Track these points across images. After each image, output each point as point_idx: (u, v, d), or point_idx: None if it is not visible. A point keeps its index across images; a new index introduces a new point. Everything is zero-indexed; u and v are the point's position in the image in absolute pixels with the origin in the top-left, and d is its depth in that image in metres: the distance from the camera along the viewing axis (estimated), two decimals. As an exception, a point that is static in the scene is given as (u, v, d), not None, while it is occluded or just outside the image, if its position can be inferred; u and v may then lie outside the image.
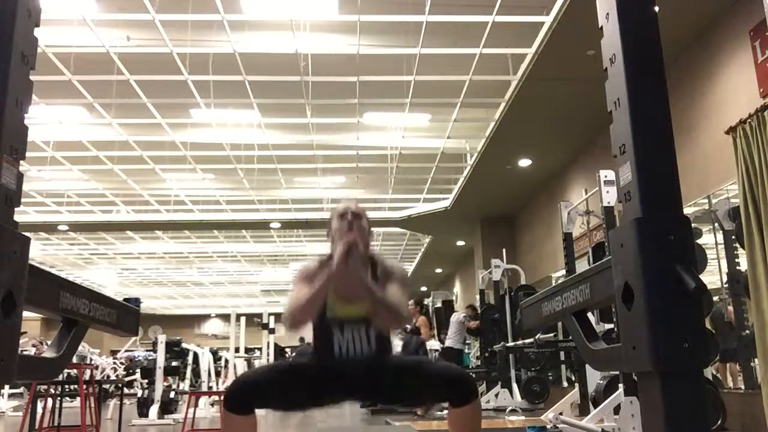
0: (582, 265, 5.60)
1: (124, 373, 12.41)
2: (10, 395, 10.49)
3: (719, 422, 4.46)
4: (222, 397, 2.03)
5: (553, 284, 2.28)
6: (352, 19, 6.27)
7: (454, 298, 16.56)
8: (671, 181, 1.30)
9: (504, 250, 9.33)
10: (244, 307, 22.44)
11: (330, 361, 2.15)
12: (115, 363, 12.49)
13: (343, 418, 8.15)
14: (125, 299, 1.81)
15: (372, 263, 2.21)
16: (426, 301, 12.38)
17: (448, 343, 9.39)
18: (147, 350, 17.24)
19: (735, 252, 5.28)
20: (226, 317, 21.82)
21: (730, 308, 5.49)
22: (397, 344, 5.41)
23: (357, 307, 2.12)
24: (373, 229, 2.34)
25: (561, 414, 5.02)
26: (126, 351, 16.09)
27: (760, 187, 4.28)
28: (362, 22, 6.30)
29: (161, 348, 7.83)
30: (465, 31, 6.58)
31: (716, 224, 5.46)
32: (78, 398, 6.70)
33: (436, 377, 2.12)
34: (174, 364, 8.46)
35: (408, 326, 7.45)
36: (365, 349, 2.15)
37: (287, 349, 16.27)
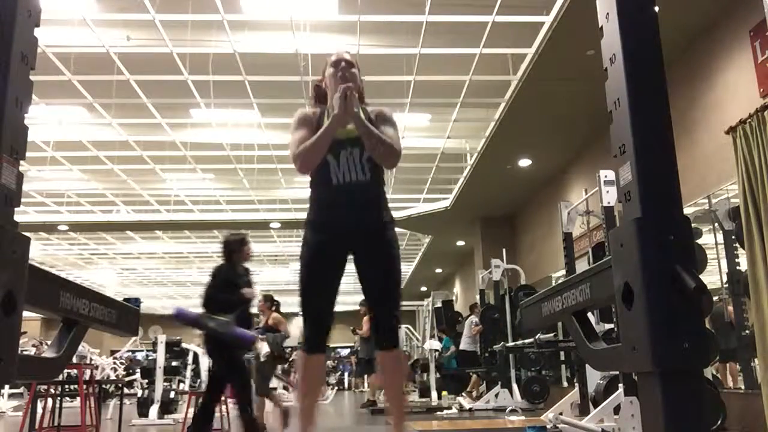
0: (582, 265, 5.60)
1: (124, 373, 12.42)
2: (10, 395, 10.50)
3: (719, 422, 4.47)
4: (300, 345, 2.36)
5: (553, 284, 2.28)
6: (352, 19, 6.28)
7: (454, 298, 16.56)
8: (671, 181, 1.30)
9: (504, 250, 9.33)
10: (244, 307, 22.36)
11: (327, 190, 2.31)
12: (115, 363, 12.49)
13: (343, 418, 8.16)
14: (125, 299, 1.81)
15: (364, 109, 2.39)
16: (426, 302, 12.34)
17: (462, 345, 9.50)
18: (147, 350, 17.23)
19: (735, 252, 5.28)
20: (226, 317, 21.79)
21: (730, 308, 5.50)
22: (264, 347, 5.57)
23: (351, 130, 2.26)
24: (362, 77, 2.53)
25: (561, 414, 5.03)
26: (126, 351, 16.08)
27: (760, 187, 4.28)
28: (362, 22, 6.30)
29: (161, 348, 7.83)
30: (465, 31, 6.58)
31: (716, 224, 5.46)
32: (78, 398, 6.70)
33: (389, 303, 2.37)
34: (174, 364, 8.46)
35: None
36: (360, 177, 2.29)
37: (287, 349, 16.26)
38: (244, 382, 4.34)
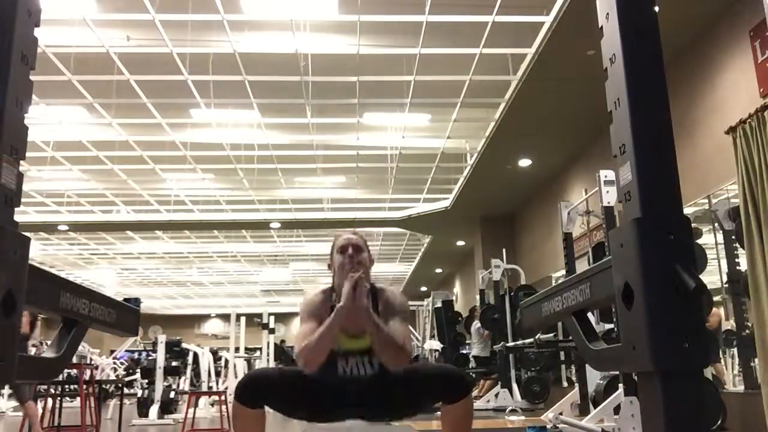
0: (582, 265, 5.60)
1: (124, 372, 12.41)
2: (10, 395, 10.49)
3: (719, 422, 4.47)
4: (234, 390, 2.11)
5: (553, 284, 2.28)
6: (352, 19, 6.27)
7: (454, 298, 16.55)
8: (671, 181, 1.30)
9: (504, 250, 9.33)
10: (244, 307, 22.41)
11: (334, 380, 2.19)
12: (114, 363, 12.49)
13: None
14: (125, 299, 1.80)
15: (372, 292, 2.23)
16: (426, 302, 12.37)
17: (474, 352, 9.51)
18: (147, 350, 17.23)
19: (735, 252, 5.28)
20: (226, 317, 21.82)
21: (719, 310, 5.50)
22: None
23: (362, 340, 2.16)
24: (373, 258, 2.35)
25: (561, 414, 5.02)
26: (127, 351, 16.08)
27: (759, 187, 4.28)
28: (362, 22, 6.30)
29: (161, 348, 7.83)
30: (465, 31, 6.58)
31: (716, 224, 5.46)
32: (78, 398, 6.70)
33: (432, 377, 2.17)
34: (174, 364, 8.45)
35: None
36: (368, 371, 2.20)
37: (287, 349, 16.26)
38: None
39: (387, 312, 2.20)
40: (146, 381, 9.07)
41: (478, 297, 10.12)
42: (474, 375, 9.60)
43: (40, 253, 16.38)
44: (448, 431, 2.14)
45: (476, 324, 9.47)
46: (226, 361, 10.63)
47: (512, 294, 8.54)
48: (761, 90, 4.92)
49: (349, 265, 2.18)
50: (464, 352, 10.76)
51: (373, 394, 2.19)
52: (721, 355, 6.03)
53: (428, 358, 9.93)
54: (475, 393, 9.31)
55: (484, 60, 6.93)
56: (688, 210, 5.64)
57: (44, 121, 8.41)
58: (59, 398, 5.72)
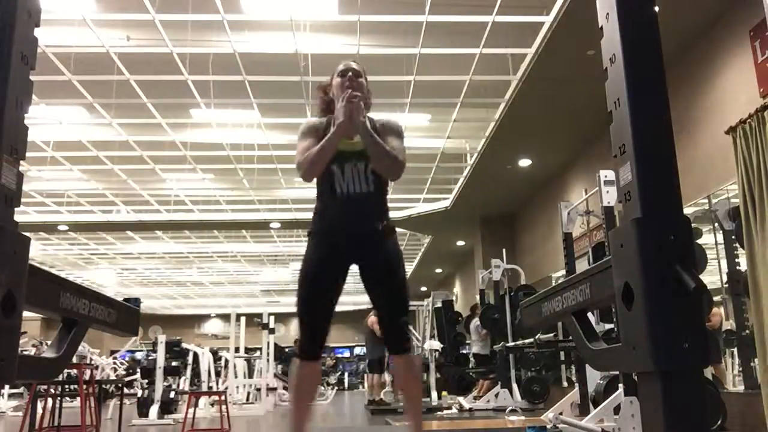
0: (582, 265, 5.60)
1: (124, 372, 12.40)
2: (10, 395, 10.49)
3: (719, 422, 4.46)
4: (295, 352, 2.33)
5: (553, 284, 2.28)
6: (352, 19, 6.28)
7: (454, 298, 16.55)
8: (671, 181, 1.30)
9: (504, 250, 9.32)
10: (244, 307, 22.41)
11: (331, 201, 2.32)
12: (114, 363, 12.48)
13: (344, 418, 8.16)
14: (125, 299, 1.81)
15: (370, 120, 2.38)
16: (426, 302, 12.37)
17: (475, 349, 9.51)
18: (147, 350, 17.22)
19: (735, 252, 5.28)
20: (226, 317, 21.80)
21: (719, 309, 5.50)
22: None
23: (357, 142, 2.28)
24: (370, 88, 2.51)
25: (561, 414, 5.02)
26: (127, 351, 16.07)
27: (759, 187, 4.28)
28: (362, 22, 6.30)
29: (161, 348, 7.82)
30: (465, 31, 6.58)
31: (716, 224, 5.46)
32: (78, 398, 6.70)
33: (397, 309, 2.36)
34: (174, 364, 8.45)
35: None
36: (364, 188, 2.31)
37: (287, 349, 16.28)
38: None
39: (384, 132, 2.37)
40: (146, 381, 9.08)
41: (478, 297, 10.12)
42: (473, 375, 9.60)
43: (40, 253, 16.38)
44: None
45: (476, 321, 9.47)
46: (226, 361, 10.63)
47: (512, 294, 8.53)
48: (761, 90, 4.92)
49: (347, 86, 2.32)
50: (464, 351, 10.76)
51: (369, 224, 2.34)
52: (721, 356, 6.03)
53: (428, 358, 9.92)
54: (474, 393, 9.31)
55: (484, 60, 6.93)
56: (688, 210, 5.64)
57: (44, 121, 8.41)
58: (59, 398, 5.71)
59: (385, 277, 2.36)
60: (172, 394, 7.88)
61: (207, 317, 28.94)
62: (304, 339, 2.33)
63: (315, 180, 2.33)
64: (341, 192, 2.30)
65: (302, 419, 2.32)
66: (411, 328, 12.71)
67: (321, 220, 2.37)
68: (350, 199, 2.30)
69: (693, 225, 1.35)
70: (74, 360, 6.44)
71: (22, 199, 1.20)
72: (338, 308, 2.47)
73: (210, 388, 9.20)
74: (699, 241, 5.46)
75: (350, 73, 2.38)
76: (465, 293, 16.86)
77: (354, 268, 2.38)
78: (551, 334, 6.51)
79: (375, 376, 9.15)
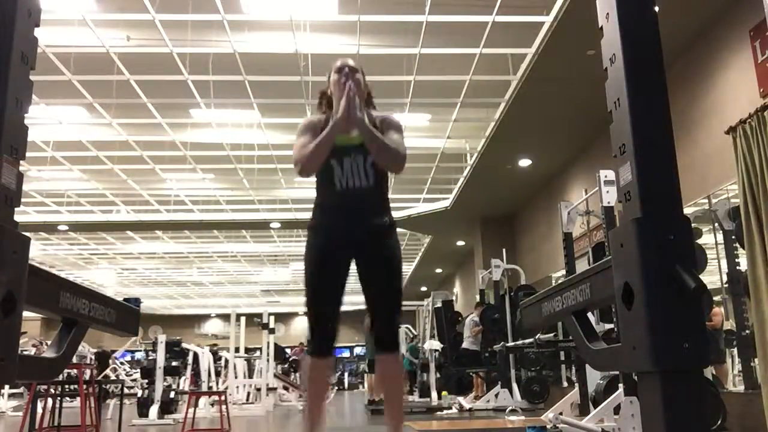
0: (582, 265, 5.60)
1: (128, 369, 12.40)
2: (10, 395, 10.48)
3: (719, 422, 4.46)
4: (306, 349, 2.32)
5: (553, 284, 2.28)
6: (352, 19, 6.28)
7: (454, 298, 16.55)
8: (671, 181, 1.30)
9: (504, 250, 9.32)
10: (244, 307, 22.42)
11: (331, 195, 2.31)
12: (114, 363, 12.48)
13: (344, 418, 8.16)
14: (125, 299, 1.80)
15: (369, 117, 2.37)
16: (426, 302, 12.38)
17: (465, 344, 9.49)
18: (147, 350, 17.21)
19: (735, 252, 5.28)
20: (226, 317, 21.80)
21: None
22: None
23: (356, 137, 2.26)
24: (368, 83, 2.51)
25: (561, 414, 5.02)
26: (127, 351, 16.06)
27: (760, 187, 4.28)
28: (362, 22, 6.30)
29: (161, 348, 7.82)
30: (465, 31, 6.58)
31: (716, 224, 5.46)
32: (78, 398, 6.70)
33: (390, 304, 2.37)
34: (174, 364, 8.44)
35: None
36: (364, 183, 2.30)
37: (287, 350, 16.28)
38: None
39: (383, 127, 2.35)
40: (146, 381, 9.07)
41: (477, 297, 10.12)
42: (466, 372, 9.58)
43: (40, 253, 16.38)
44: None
45: (471, 316, 9.45)
46: (226, 361, 10.62)
47: (512, 294, 8.53)
48: (761, 90, 4.92)
49: (344, 82, 2.30)
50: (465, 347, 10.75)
51: (368, 217, 2.34)
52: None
53: (428, 358, 9.92)
54: (472, 394, 9.31)
55: (484, 60, 6.93)
56: (688, 210, 5.64)
57: (44, 121, 8.41)
58: (59, 398, 5.71)
59: (382, 273, 2.36)
60: (172, 394, 7.88)
61: (207, 317, 28.94)
62: (315, 335, 2.32)
63: (314, 175, 2.34)
64: (341, 186, 2.30)
65: (318, 415, 2.33)
66: (411, 327, 12.69)
67: (321, 215, 2.37)
68: (349, 194, 2.30)
69: (693, 225, 1.35)
70: (74, 360, 6.44)
71: (22, 199, 1.20)
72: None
73: (210, 388, 9.19)
74: (699, 241, 5.46)
75: (346, 69, 2.38)
76: (465, 293, 16.86)
77: (353, 268, 2.38)
78: (551, 334, 6.51)
79: (375, 376, 9.15)
